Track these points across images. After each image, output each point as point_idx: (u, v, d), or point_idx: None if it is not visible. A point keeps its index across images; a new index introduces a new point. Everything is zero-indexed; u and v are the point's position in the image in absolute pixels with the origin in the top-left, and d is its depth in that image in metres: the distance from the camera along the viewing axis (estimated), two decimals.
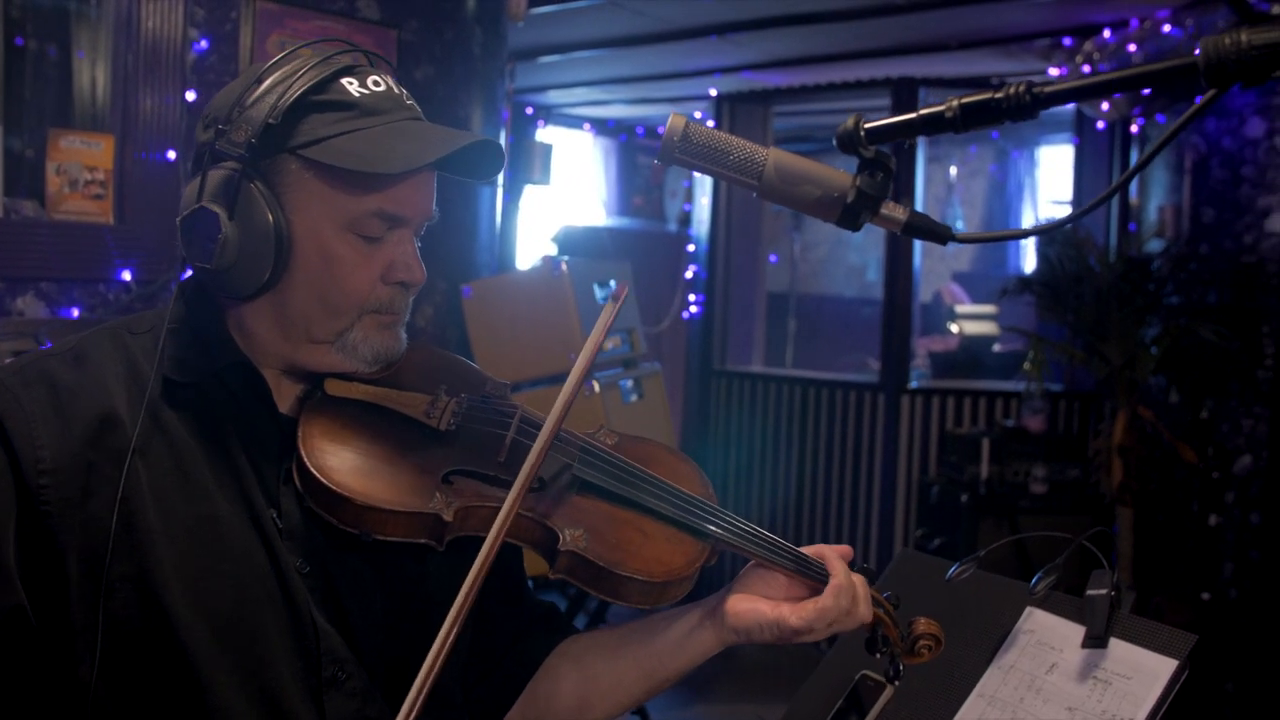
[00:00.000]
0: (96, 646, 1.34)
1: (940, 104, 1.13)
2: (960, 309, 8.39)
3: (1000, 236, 1.26)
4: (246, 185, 1.42)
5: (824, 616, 1.47)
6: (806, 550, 1.54)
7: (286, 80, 1.43)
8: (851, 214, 1.21)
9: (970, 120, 1.12)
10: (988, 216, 10.28)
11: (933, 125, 1.14)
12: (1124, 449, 5.30)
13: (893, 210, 1.22)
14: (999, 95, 1.10)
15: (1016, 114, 1.09)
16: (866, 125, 1.18)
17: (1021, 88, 1.09)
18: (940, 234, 1.24)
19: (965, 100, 1.12)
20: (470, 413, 1.55)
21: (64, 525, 1.35)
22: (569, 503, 1.51)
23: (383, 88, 1.48)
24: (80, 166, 3.36)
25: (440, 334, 4.37)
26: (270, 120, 1.41)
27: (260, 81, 1.44)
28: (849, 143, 1.18)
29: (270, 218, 1.42)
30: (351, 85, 1.46)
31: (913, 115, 1.16)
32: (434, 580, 1.54)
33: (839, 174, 1.23)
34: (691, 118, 1.26)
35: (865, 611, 1.50)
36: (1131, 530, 5.31)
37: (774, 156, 1.24)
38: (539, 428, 1.51)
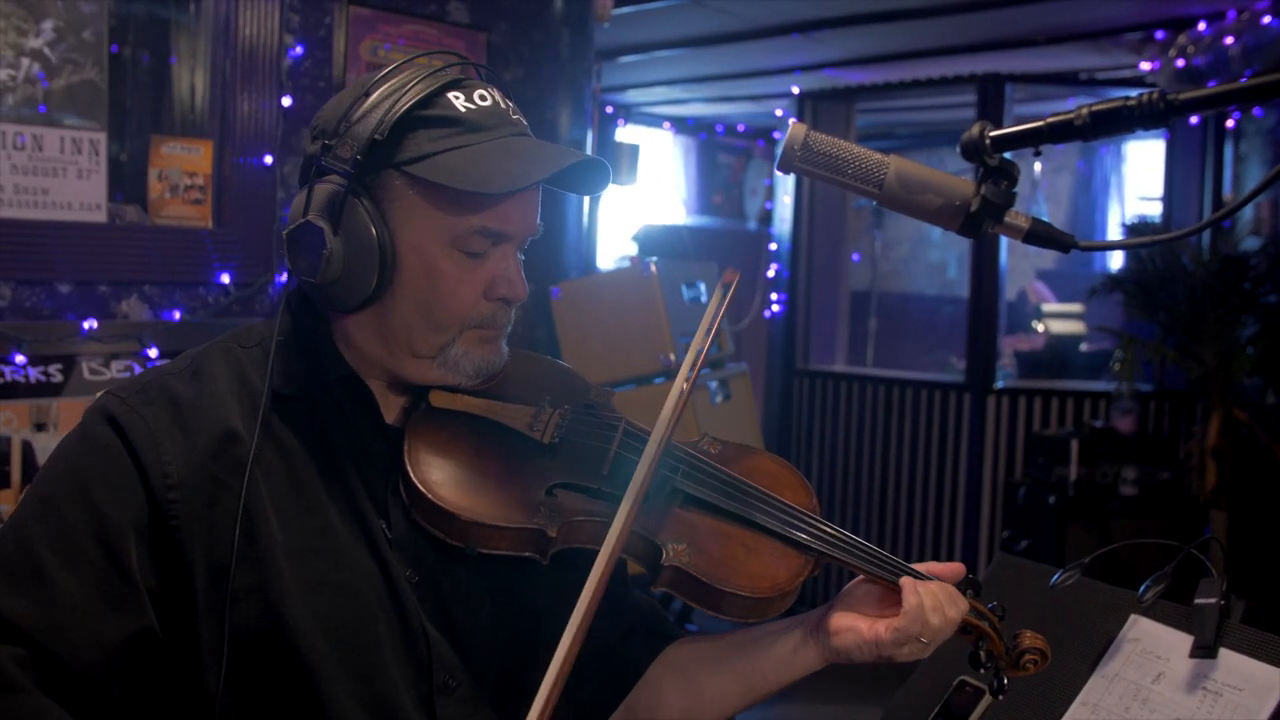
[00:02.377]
0: (222, 657, 1.36)
1: (1069, 112, 1.12)
2: (1046, 308, 8.30)
3: (1124, 245, 1.25)
4: (351, 200, 1.43)
5: (913, 621, 1.42)
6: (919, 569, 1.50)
7: (394, 95, 1.43)
8: (975, 222, 1.20)
9: (1100, 128, 1.10)
10: (1073, 213, 10.14)
11: (1061, 133, 1.13)
12: (1218, 451, 5.21)
13: (1015, 218, 1.21)
14: (1131, 103, 1.08)
15: (1149, 122, 1.07)
16: (992, 133, 1.17)
17: (1155, 95, 1.07)
18: (1062, 242, 1.22)
19: (1096, 108, 1.10)
20: (574, 425, 1.55)
21: (191, 538, 1.37)
22: (672, 516, 1.49)
23: (489, 102, 1.48)
24: (180, 172, 3.42)
25: (529, 335, 4.39)
26: (376, 136, 1.41)
27: (368, 95, 1.44)
28: (974, 151, 1.17)
29: (374, 233, 1.43)
30: (458, 100, 1.45)
31: (1040, 123, 1.14)
32: (539, 590, 1.54)
33: (962, 182, 1.22)
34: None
35: (952, 612, 1.44)
36: (1226, 535, 5.21)
37: (895, 165, 1.23)
38: (642, 440, 1.51)
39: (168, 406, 1.43)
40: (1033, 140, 1.15)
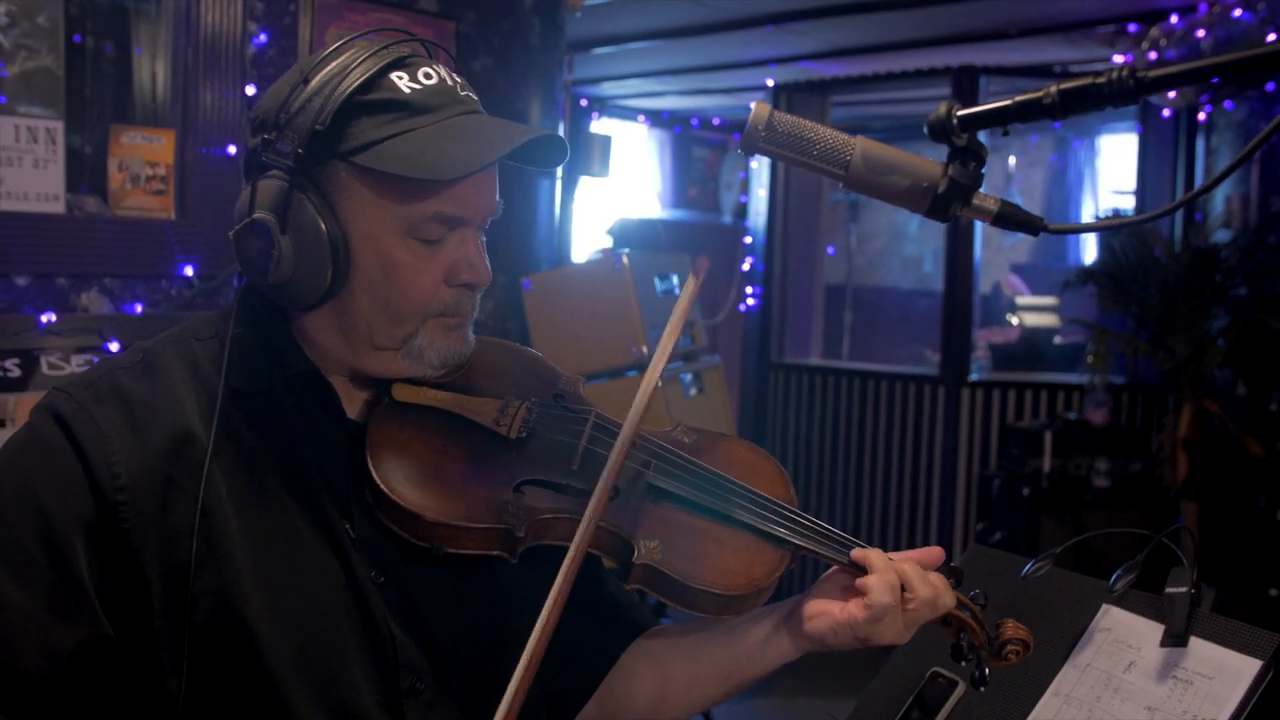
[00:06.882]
0: (183, 660, 1.32)
1: (1038, 90, 1.09)
2: (1020, 300, 8.30)
3: (1093, 227, 1.23)
4: (297, 195, 1.37)
5: (882, 597, 1.39)
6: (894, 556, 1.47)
7: (333, 80, 1.37)
8: (942, 204, 1.18)
9: (1070, 106, 1.08)
10: (1047, 207, 10.16)
11: (1030, 112, 1.10)
12: (1189, 443, 5.24)
13: (984, 201, 1.19)
14: (1100, 80, 1.05)
15: (1119, 99, 1.05)
16: (959, 113, 1.15)
17: (1124, 71, 1.04)
18: (1032, 224, 1.21)
19: (1065, 86, 1.08)
20: (541, 419, 1.51)
21: (144, 541, 1.33)
22: (644, 511, 1.45)
23: (435, 80, 1.41)
24: (141, 162, 3.36)
25: (500, 327, 4.36)
26: (317, 126, 1.35)
27: (306, 81, 1.38)
28: (941, 131, 1.15)
29: (324, 228, 1.37)
30: (402, 80, 1.39)
31: (1008, 102, 1.12)
32: (509, 589, 1.51)
33: (929, 163, 1.20)
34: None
35: (937, 594, 1.42)
36: (1197, 525, 5.24)
37: (862, 146, 1.21)
38: (612, 432, 1.47)
39: (119, 404, 1.38)
40: (1001, 119, 1.13)
